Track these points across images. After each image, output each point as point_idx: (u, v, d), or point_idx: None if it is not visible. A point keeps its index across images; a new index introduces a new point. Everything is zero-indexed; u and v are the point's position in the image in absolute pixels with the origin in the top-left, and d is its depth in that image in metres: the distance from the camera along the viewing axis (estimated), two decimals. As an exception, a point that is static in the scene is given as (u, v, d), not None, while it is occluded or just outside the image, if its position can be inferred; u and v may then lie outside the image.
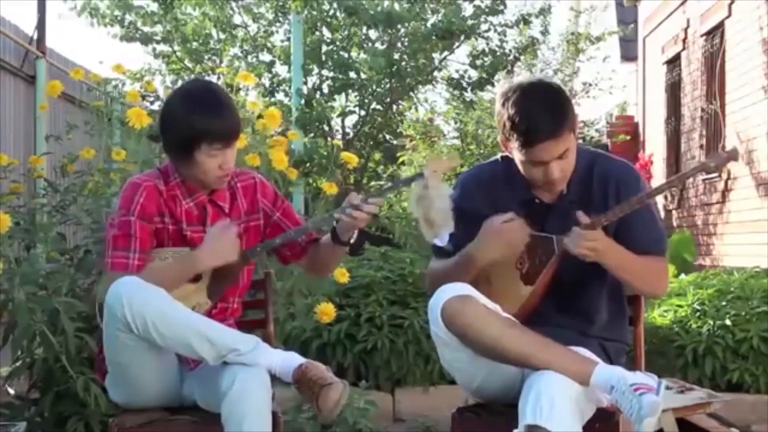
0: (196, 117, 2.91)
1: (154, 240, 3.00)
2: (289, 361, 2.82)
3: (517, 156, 2.89)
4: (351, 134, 11.40)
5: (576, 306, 2.96)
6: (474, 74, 11.09)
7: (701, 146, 10.56)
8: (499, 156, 3.08)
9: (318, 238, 3.17)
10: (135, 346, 2.81)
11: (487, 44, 11.05)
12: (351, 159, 4.63)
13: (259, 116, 4.74)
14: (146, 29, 11.83)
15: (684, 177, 3.08)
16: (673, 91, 12.10)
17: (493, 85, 10.94)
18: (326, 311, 4.14)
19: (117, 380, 2.97)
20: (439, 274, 2.99)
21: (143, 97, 8.45)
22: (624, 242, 2.86)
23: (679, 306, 5.51)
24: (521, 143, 2.83)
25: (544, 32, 12.01)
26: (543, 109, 2.81)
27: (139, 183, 3.02)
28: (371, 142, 11.50)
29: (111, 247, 2.97)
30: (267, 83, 11.73)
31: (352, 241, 3.08)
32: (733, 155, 2.88)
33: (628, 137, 13.37)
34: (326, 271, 3.33)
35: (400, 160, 11.25)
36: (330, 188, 4.57)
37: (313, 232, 3.18)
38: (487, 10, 10.84)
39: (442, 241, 3.03)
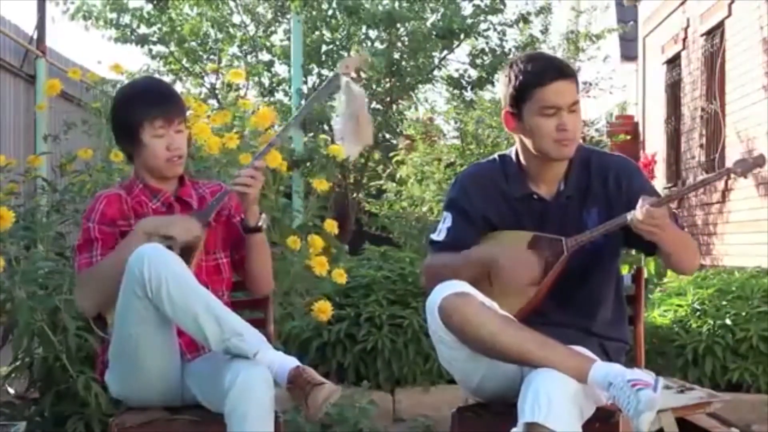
0: (134, 100, 3.10)
1: (119, 241, 3.04)
2: (286, 363, 2.82)
3: (529, 113, 2.89)
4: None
5: (578, 303, 2.96)
6: (474, 73, 11.10)
7: (701, 146, 10.56)
8: (496, 155, 3.10)
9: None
10: (145, 317, 2.83)
11: (487, 43, 11.06)
12: (340, 152, 4.63)
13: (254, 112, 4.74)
14: (141, 31, 11.82)
15: (710, 180, 3.11)
16: (673, 90, 12.11)
17: (493, 84, 10.94)
18: (323, 309, 4.13)
19: (119, 364, 2.97)
20: (442, 267, 2.96)
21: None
22: None
23: (679, 306, 5.50)
24: (535, 84, 2.86)
25: (544, 31, 12.01)
26: (552, 57, 3.04)
27: (101, 194, 3.14)
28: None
29: (77, 254, 3.08)
30: (266, 83, 11.74)
31: (260, 224, 3.08)
32: (760, 161, 2.87)
33: (628, 137, 13.37)
34: (261, 279, 3.21)
35: (395, 159, 11.24)
36: (320, 184, 4.55)
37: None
38: (486, 9, 10.85)
39: (438, 235, 3.04)
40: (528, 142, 2.94)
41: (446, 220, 3.04)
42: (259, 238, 3.11)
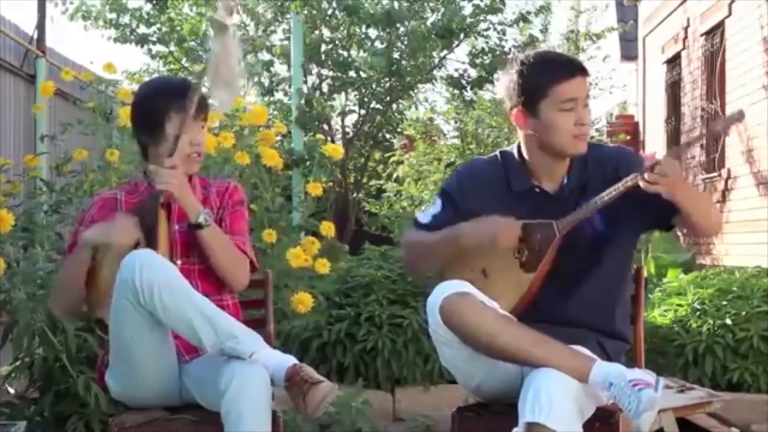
0: (164, 91, 3.10)
1: None
2: (283, 361, 2.82)
3: (548, 109, 2.88)
4: (351, 133, 11.40)
5: (577, 295, 2.95)
6: (474, 73, 11.09)
7: (701, 146, 10.56)
8: (497, 152, 3.10)
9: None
10: (140, 321, 2.82)
11: (487, 43, 11.05)
12: (336, 151, 4.63)
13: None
14: (141, 30, 11.82)
15: (694, 141, 3.11)
16: (674, 90, 12.11)
17: (492, 84, 10.93)
18: (303, 300, 4.13)
19: (117, 365, 2.97)
20: (418, 244, 3.01)
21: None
22: (659, 204, 2.83)
23: (680, 305, 5.50)
24: (554, 80, 2.86)
25: (544, 31, 12.00)
26: (563, 53, 3.13)
27: (98, 198, 3.17)
28: (371, 141, 11.51)
29: (65, 257, 3.11)
30: (266, 83, 11.73)
31: (199, 220, 3.02)
32: (739, 117, 2.86)
33: (629, 136, 13.37)
34: (225, 274, 3.10)
35: (391, 159, 11.25)
36: (314, 189, 4.54)
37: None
38: (486, 8, 10.84)
39: (424, 217, 3.06)
40: (537, 139, 2.93)
41: (435, 206, 3.06)
42: (205, 235, 3.03)
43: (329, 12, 11.06)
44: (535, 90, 2.89)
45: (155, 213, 3.01)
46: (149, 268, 2.80)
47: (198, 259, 3.09)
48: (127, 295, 2.81)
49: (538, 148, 2.95)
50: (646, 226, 3.08)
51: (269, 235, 4.21)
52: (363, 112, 11.16)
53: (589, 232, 2.93)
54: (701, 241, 10.33)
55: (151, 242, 2.96)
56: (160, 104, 3.05)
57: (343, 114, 11.32)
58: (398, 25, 10.56)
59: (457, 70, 11.34)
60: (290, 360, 2.82)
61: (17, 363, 4.10)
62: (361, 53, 11.12)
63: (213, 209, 3.14)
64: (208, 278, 3.10)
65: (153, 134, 3.08)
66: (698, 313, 5.39)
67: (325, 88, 11.16)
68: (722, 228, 3.30)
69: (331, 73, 11.08)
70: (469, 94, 11.32)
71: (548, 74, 2.88)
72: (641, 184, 2.76)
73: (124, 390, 3.00)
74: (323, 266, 4.28)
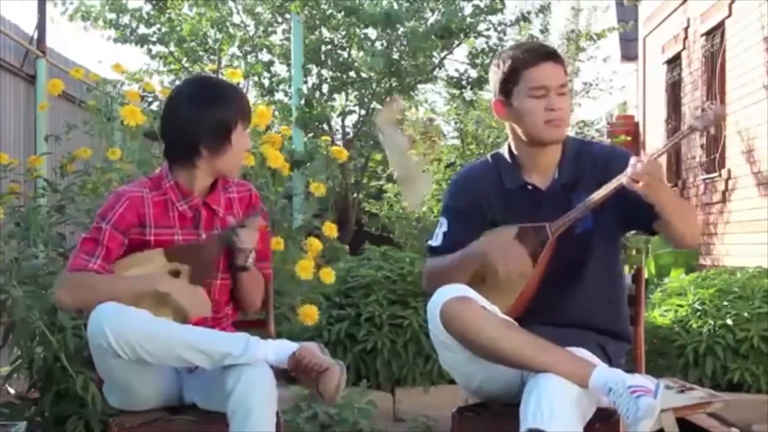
0: (233, 101, 3.01)
1: (122, 252, 2.98)
2: (282, 349, 2.83)
3: (519, 96, 2.92)
4: (351, 134, 11.41)
5: (577, 298, 2.95)
6: (473, 73, 11.10)
7: (702, 146, 10.56)
8: (488, 155, 3.13)
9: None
10: (128, 366, 2.81)
11: (487, 43, 11.06)
12: (341, 154, 4.60)
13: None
14: (141, 31, 11.83)
15: (676, 141, 3.09)
16: (674, 90, 12.11)
17: (493, 84, 10.95)
18: (309, 313, 4.06)
19: (114, 389, 2.97)
20: (437, 270, 2.99)
21: (141, 98, 8.42)
22: (641, 204, 2.82)
23: (680, 306, 5.50)
24: (523, 66, 2.91)
25: (544, 31, 12.01)
26: (538, 42, 3.06)
27: (122, 193, 3.02)
28: (371, 142, 11.51)
29: (78, 248, 3.00)
30: (266, 83, 11.74)
31: (247, 264, 3.03)
32: (720, 113, 2.86)
33: (629, 137, 13.37)
34: (247, 304, 3.16)
35: None
36: (317, 188, 4.53)
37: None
38: (486, 8, 10.85)
39: (435, 240, 3.06)
40: (519, 129, 2.97)
41: (442, 226, 3.06)
42: (245, 276, 3.06)
43: (329, 12, 11.06)
44: (508, 78, 2.95)
45: (216, 253, 2.99)
46: (121, 328, 2.75)
47: (221, 274, 3.06)
48: (109, 357, 2.79)
49: (520, 139, 2.99)
50: (627, 226, 3.08)
51: (277, 244, 4.16)
52: (363, 112, 11.16)
53: (578, 231, 2.94)
54: (701, 241, 10.33)
55: (200, 274, 2.97)
56: (226, 111, 2.97)
57: (343, 114, 11.33)
58: (398, 25, 10.56)
59: (457, 70, 11.35)
60: (289, 347, 2.83)
61: (17, 363, 4.10)
62: (361, 53, 11.12)
63: (238, 218, 3.08)
64: (223, 293, 3.08)
65: (219, 144, 2.97)
66: (699, 313, 5.38)
67: (325, 88, 11.17)
68: (700, 240, 3.25)
69: (331, 74, 11.09)
70: (469, 94, 11.33)
71: (518, 61, 2.94)
72: (624, 181, 2.78)
73: (123, 404, 3.00)
74: (328, 276, 4.24)
